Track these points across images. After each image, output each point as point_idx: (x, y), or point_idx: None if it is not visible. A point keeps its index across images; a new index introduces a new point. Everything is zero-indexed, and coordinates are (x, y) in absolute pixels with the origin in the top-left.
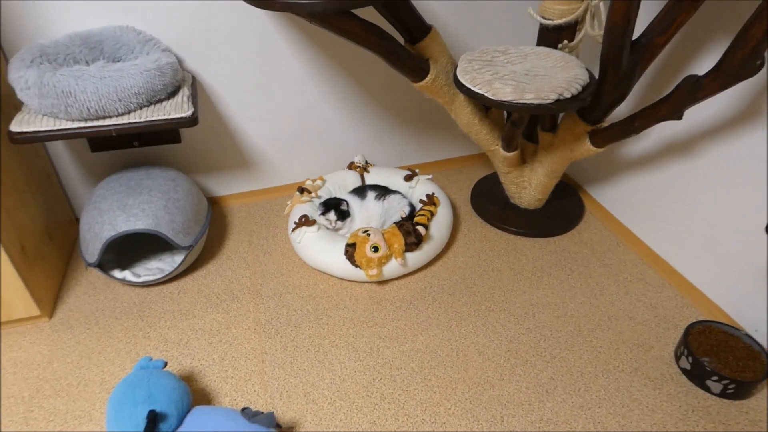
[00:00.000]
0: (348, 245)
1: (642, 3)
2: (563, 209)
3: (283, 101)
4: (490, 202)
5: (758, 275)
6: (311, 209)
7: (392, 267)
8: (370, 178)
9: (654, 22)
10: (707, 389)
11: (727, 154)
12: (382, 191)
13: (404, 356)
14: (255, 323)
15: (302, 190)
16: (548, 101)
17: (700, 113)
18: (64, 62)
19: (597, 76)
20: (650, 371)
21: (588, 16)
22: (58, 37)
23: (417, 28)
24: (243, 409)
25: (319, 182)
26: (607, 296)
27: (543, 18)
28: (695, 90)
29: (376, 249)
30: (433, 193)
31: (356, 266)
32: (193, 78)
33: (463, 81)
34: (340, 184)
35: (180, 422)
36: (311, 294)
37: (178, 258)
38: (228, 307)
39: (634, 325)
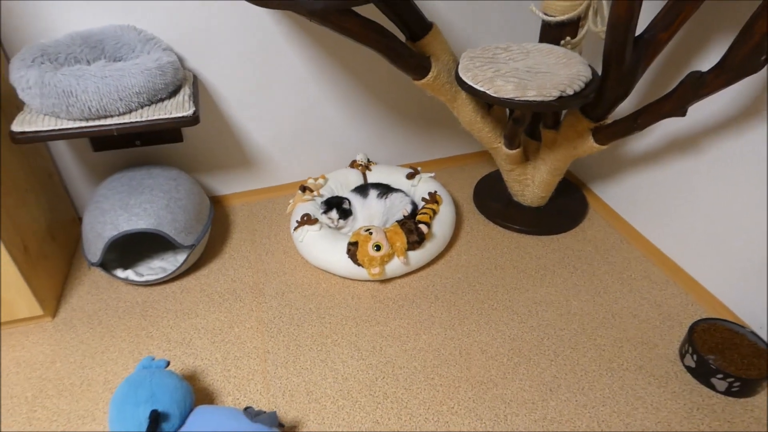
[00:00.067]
0: (350, 244)
1: None
2: (566, 207)
3: (284, 100)
4: (493, 200)
5: (763, 272)
6: (313, 208)
7: (395, 265)
8: (372, 177)
9: (657, 17)
10: (712, 387)
11: (731, 151)
12: (384, 189)
13: (407, 355)
14: (257, 322)
15: (304, 188)
16: (551, 98)
17: (703, 109)
18: (65, 62)
19: (600, 73)
20: (655, 369)
21: (591, 12)
22: (59, 36)
23: (418, 26)
24: (245, 409)
25: (321, 181)
26: (611, 294)
27: (545, 14)
28: (699, 86)
29: (378, 248)
30: (436, 191)
31: (358, 265)
32: (195, 77)
33: (464, 78)
34: (342, 182)
35: (182, 422)
36: (314, 293)
37: (180, 257)
38: (230, 306)
39: (638, 323)
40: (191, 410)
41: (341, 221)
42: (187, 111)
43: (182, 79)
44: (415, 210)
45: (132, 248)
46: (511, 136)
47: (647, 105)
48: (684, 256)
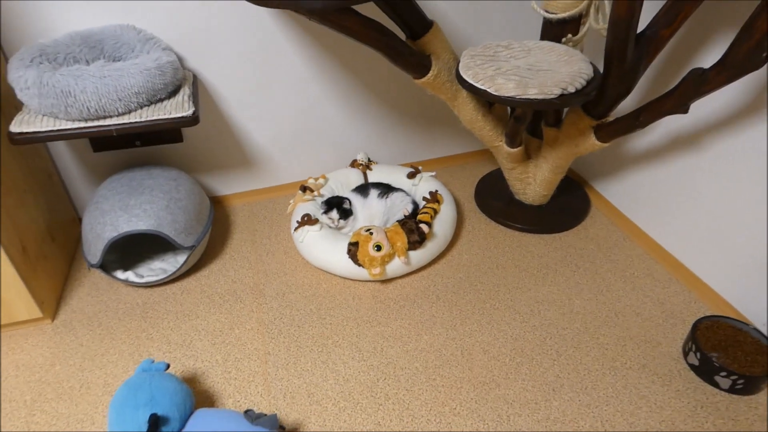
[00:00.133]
0: (351, 244)
1: None
2: (568, 205)
3: (284, 100)
4: (495, 199)
5: (766, 269)
6: (314, 208)
7: (395, 266)
8: (373, 176)
9: (659, 14)
10: (716, 385)
11: (733, 148)
12: (385, 189)
13: (408, 356)
14: (258, 323)
15: (304, 188)
16: (552, 96)
17: (705, 106)
18: (64, 62)
19: (601, 70)
20: (658, 368)
21: (592, 10)
22: (58, 36)
23: (418, 24)
24: (246, 411)
25: (321, 181)
26: (613, 292)
27: (546, 12)
28: (701, 83)
29: (379, 248)
30: (437, 191)
31: (359, 265)
32: (194, 77)
33: (465, 77)
34: (343, 182)
35: (182, 425)
36: (314, 293)
37: (180, 258)
38: (231, 308)
39: (641, 321)
40: (191, 413)
41: (342, 221)
42: (187, 111)
43: (182, 79)
44: (416, 209)
45: (132, 249)
46: (513, 134)
47: (649, 102)
48: (686, 254)
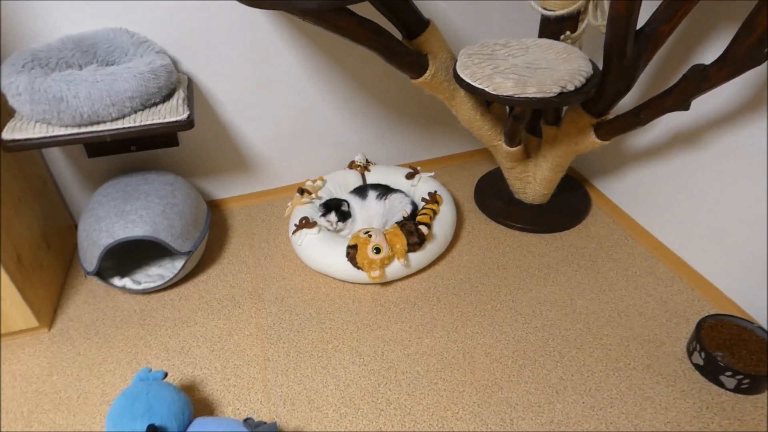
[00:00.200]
0: (349, 247)
1: None
2: (569, 203)
3: (281, 101)
4: (495, 198)
5: None
6: (312, 211)
7: (395, 268)
8: (371, 177)
9: (658, 10)
10: (721, 385)
11: (734, 144)
12: (384, 190)
13: (409, 359)
14: (257, 329)
15: (302, 191)
16: (551, 95)
17: (706, 103)
18: (57, 67)
19: (601, 68)
20: (662, 368)
21: (590, 6)
22: (51, 41)
23: (415, 23)
24: (245, 420)
25: (319, 183)
26: (616, 292)
27: (544, 9)
28: (702, 80)
29: (378, 250)
30: (436, 191)
31: (358, 268)
32: (189, 80)
33: (463, 76)
34: (341, 183)
35: None
36: (313, 297)
37: (178, 263)
38: (229, 313)
39: (644, 320)
40: (190, 422)
41: (340, 224)
42: (182, 115)
43: (176, 82)
44: (415, 210)
45: (129, 255)
46: (512, 133)
47: (650, 99)
48: (689, 251)
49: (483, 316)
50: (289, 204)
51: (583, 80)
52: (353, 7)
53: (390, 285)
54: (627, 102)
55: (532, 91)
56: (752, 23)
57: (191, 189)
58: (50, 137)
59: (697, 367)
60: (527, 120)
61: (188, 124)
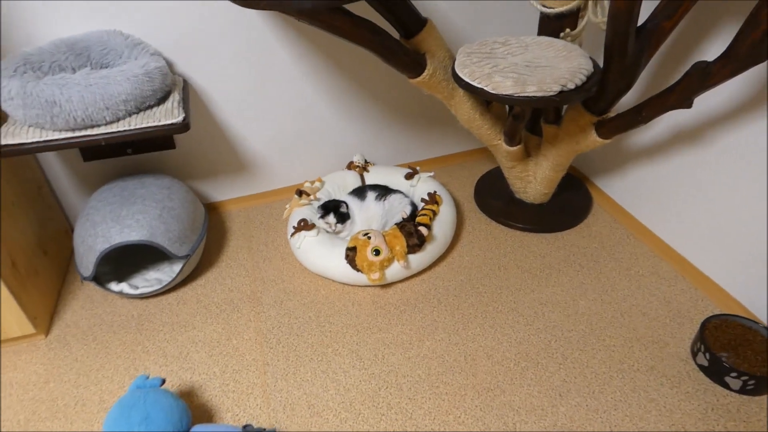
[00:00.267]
0: (348, 249)
1: None
2: (570, 202)
3: (278, 102)
4: (495, 198)
5: None
6: (310, 212)
7: (395, 270)
8: (370, 178)
9: (660, 6)
10: (726, 386)
11: (737, 142)
12: (383, 191)
13: (410, 363)
14: (256, 333)
15: (300, 192)
16: (551, 93)
17: (709, 100)
18: (49, 70)
19: (601, 65)
20: (666, 369)
21: (590, 3)
22: (43, 44)
23: (412, 22)
24: (244, 426)
25: (317, 184)
26: (618, 292)
27: (544, 6)
28: (705, 77)
29: (377, 252)
30: (435, 192)
31: (358, 270)
32: (185, 82)
33: (461, 75)
34: (340, 184)
35: None
36: (313, 300)
37: (176, 267)
38: (228, 317)
39: (647, 321)
40: (188, 429)
41: (339, 225)
42: (177, 118)
43: (171, 84)
44: (414, 211)
45: (126, 260)
46: (511, 132)
47: (652, 97)
48: (692, 250)
49: (484, 318)
50: (288, 206)
51: (584, 78)
52: (349, 7)
53: (390, 287)
54: (628, 100)
55: (532, 90)
56: (756, 19)
57: (188, 192)
58: (44, 142)
59: (701, 368)
60: (527, 119)
61: (184, 126)
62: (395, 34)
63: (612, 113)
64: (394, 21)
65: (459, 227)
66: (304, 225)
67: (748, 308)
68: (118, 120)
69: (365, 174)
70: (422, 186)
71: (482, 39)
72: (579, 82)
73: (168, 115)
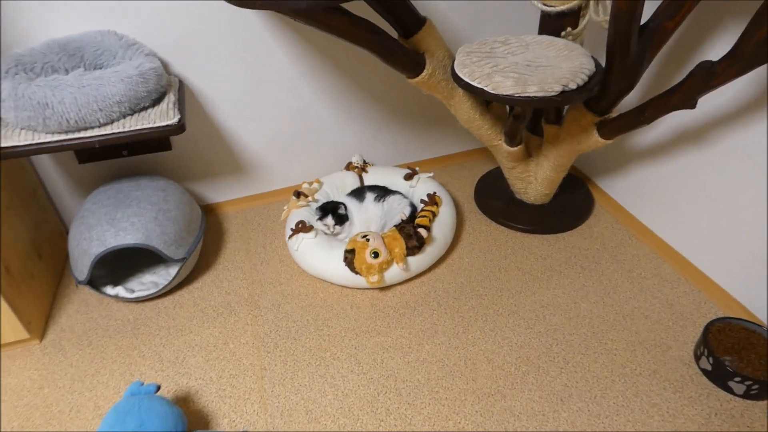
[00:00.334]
0: (347, 251)
1: None
2: (571, 203)
3: (275, 102)
4: (495, 198)
5: None
6: (308, 214)
7: (394, 272)
8: (369, 179)
9: (662, 5)
10: (730, 390)
11: (741, 142)
12: (382, 192)
13: (410, 367)
14: (253, 337)
15: (298, 194)
16: (552, 93)
17: (712, 100)
18: (42, 72)
19: (603, 65)
20: (669, 373)
21: (592, 1)
22: (35, 45)
23: (411, 21)
24: None
25: (315, 185)
26: (620, 294)
27: (544, 5)
28: (709, 77)
29: (376, 254)
30: (435, 192)
31: (356, 273)
32: (180, 82)
33: (461, 75)
34: (338, 185)
35: None
36: (311, 303)
37: (172, 271)
38: (225, 321)
39: (650, 324)
40: None
41: (337, 227)
42: (172, 119)
43: (166, 85)
44: (413, 212)
45: (122, 263)
46: (512, 133)
47: (654, 97)
48: (695, 252)
49: (485, 321)
50: (285, 207)
51: (586, 78)
52: (347, 6)
53: (389, 290)
54: (631, 100)
55: (533, 90)
56: (762, 18)
57: (184, 194)
58: (36, 144)
59: (704, 372)
60: (528, 119)
61: (179, 128)
62: (394, 34)
63: (614, 113)
64: (393, 20)
65: (459, 228)
66: (302, 227)
67: (752, 311)
68: (112, 122)
69: (364, 175)
70: (422, 187)
71: (482, 38)
72: (581, 82)
73: (163, 116)
